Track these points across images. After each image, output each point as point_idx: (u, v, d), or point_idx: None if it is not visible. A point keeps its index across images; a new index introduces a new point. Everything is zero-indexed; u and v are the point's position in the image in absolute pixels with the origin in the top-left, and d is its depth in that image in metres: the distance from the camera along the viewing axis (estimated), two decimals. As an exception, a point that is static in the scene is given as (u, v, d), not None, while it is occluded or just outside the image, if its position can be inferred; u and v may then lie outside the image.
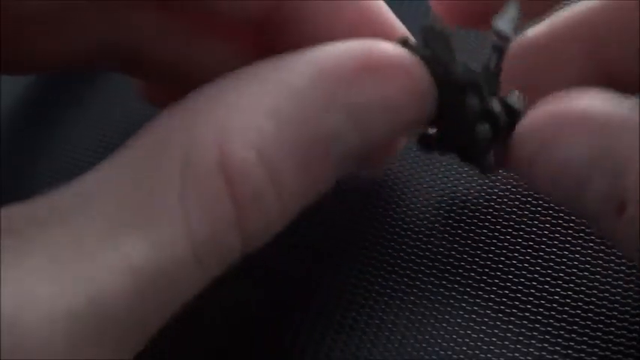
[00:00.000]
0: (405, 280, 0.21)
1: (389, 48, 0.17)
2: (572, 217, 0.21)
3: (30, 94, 0.30)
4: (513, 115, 0.19)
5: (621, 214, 0.16)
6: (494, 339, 0.19)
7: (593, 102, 0.17)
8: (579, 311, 0.19)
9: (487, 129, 0.18)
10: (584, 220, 0.21)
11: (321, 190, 0.17)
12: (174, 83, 0.21)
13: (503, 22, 0.18)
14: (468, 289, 0.20)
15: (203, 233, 0.14)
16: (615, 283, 0.19)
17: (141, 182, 0.14)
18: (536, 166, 0.17)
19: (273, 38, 0.20)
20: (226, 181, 0.14)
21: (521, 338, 0.19)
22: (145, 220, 0.14)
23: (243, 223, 0.15)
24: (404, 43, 0.18)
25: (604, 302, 0.19)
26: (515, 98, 0.19)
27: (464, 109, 0.18)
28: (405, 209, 0.22)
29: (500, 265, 0.20)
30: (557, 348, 0.19)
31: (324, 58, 0.16)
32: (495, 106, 0.19)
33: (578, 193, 0.17)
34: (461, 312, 0.20)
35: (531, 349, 0.19)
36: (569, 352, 0.18)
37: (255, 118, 0.15)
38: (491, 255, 0.21)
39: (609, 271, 0.20)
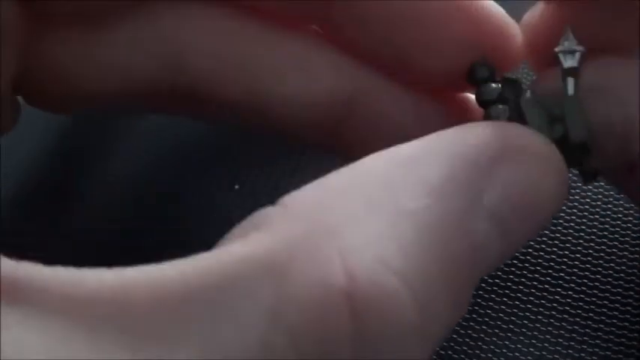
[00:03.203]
0: (406, 279, 0.21)
1: (529, 135, 0.14)
2: (573, 217, 0.21)
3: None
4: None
5: None
6: (494, 339, 0.19)
7: None
8: (580, 311, 0.19)
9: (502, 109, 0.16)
10: (584, 220, 0.21)
11: (460, 318, 0.13)
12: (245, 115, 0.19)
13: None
14: (469, 289, 0.20)
15: None
16: (616, 283, 0.19)
17: (214, 317, 0.11)
18: None
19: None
20: (352, 320, 0.11)
21: (522, 338, 0.19)
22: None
23: None
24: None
25: (605, 302, 0.19)
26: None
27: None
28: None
29: (501, 265, 0.20)
30: (558, 348, 0.19)
31: (461, 146, 0.13)
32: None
33: None
34: (461, 312, 0.20)
35: (532, 349, 0.19)
36: (570, 351, 0.18)
37: (385, 231, 0.12)
38: (491, 255, 0.21)
39: (610, 271, 0.20)
